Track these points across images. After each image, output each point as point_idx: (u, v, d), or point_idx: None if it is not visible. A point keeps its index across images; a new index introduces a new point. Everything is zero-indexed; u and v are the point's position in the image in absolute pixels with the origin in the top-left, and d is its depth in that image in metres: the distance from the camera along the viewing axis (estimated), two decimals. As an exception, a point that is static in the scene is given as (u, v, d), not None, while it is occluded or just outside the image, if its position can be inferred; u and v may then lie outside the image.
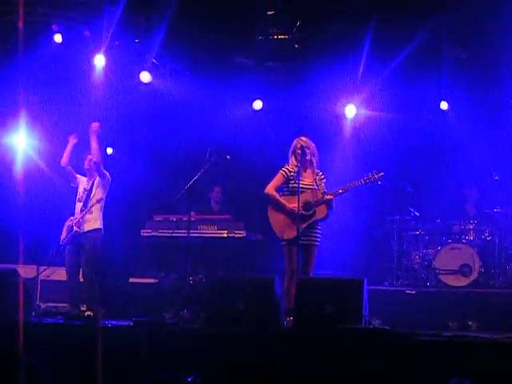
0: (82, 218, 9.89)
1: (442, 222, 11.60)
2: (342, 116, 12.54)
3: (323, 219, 8.93)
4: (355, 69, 11.73)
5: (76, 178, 10.28)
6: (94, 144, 9.98)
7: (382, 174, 8.92)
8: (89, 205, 9.94)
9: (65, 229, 10.01)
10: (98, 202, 9.96)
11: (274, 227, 9.02)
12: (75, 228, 9.80)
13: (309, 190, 8.84)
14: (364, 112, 12.42)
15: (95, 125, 10.04)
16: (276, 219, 9.00)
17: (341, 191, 8.86)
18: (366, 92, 12.18)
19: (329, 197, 8.81)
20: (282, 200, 8.92)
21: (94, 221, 9.94)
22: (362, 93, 12.19)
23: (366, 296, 7.95)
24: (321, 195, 8.83)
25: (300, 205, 8.67)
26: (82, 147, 10.31)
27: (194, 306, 9.42)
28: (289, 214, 8.85)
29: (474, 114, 11.86)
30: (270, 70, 12.59)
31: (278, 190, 9.06)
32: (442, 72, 11.81)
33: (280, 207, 8.92)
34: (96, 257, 9.87)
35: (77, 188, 10.24)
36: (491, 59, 11.56)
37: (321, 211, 8.82)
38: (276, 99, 12.49)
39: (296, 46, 12.02)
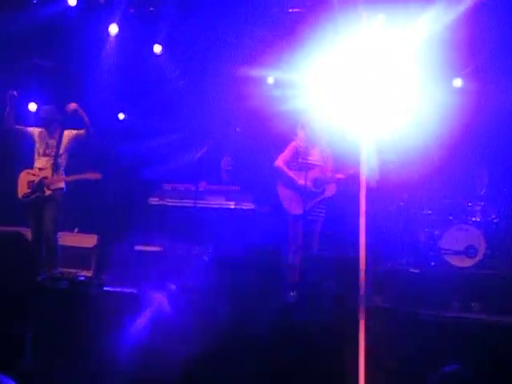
0: (52, 176, 9.76)
1: (449, 202, 11.58)
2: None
3: (332, 197, 8.95)
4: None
5: (28, 131, 9.99)
6: (86, 119, 9.85)
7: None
8: (58, 163, 9.83)
9: (26, 183, 9.86)
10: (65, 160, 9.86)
11: (283, 201, 9.03)
12: (47, 191, 9.70)
13: (317, 167, 8.85)
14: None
15: (72, 105, 9.84)
16: (285, 193, 9.03)
17: (352, 172, 8.85)
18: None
19: (340, 176, 8.82)
20: (292, 174, 8.92)
21: (60, 180, 9.83)
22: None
23: (369, 274, 7.97)
24: (331, 173, 8.84)
25: (309, 182, 8.68)
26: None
27: (198, 277, 9.45)
28: (297, 189, 8.86)
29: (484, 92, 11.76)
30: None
31: (287, 164, 9.07)
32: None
33: (289, 182, 8.92)
34: (59, 217, 9.81)
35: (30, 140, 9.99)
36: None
37: (330, 189, 8.84)
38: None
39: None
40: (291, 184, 8.93)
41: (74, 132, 9.89)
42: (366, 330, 7.01)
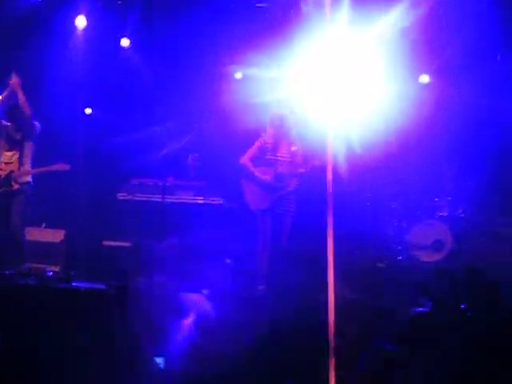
0: (19, 170, 9.63)
1: (416, 197, 11.67)
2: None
3: (294, 191, 8.97)
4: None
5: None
6: (22, 96, 9.56)
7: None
8: (24, 156, 9.68)
9: None
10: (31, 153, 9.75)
11: (246, 196, 9.10)
12: (15, 185, 9.61)
13: (285, 162, 8.89)
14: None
15: (15, 79, 9.59)
16: (248, 189, 9.10)
17: (317, 163, 8.90)
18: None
19: (302, 170, 8.87)
20: (255, 171, 8.97)
21: (27, 173, 9.71)
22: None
23: (337, 267, 8.02)
24: (294, 168, 8.89)
25: (271, 177, 8.74)
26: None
27: (166, 271, 9.46)
28: (260, 184, 8.92)
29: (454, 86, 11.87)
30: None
31: (254, 160, 9.10)
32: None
33: (253, 177, 8.97)
34: (26, 211, 9.75)
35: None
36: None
37: (292, 183, 8.87)
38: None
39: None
40: (254, 180, 8.99)
41: (38, 125, 9.80)
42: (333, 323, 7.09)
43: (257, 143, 9.12)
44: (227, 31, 11.92)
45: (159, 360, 5.72)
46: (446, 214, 11.32)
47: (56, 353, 6.88)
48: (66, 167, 9.72)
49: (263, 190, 8.97)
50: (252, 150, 9.13)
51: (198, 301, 6.85)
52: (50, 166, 9.76)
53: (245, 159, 9.11)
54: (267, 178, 8.84)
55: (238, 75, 12.50)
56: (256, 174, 8.99)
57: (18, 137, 9.71)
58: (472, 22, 11.03)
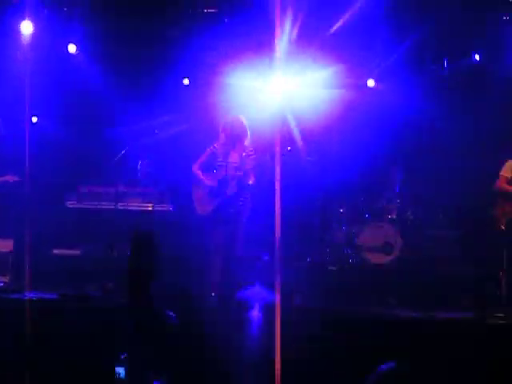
0: None
1: (365, 200, 11.76)
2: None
3: (235, 194, 8.99)
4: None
5: None
6: None
7: (289, 148, 9.01)
8: None
9: None
10: None
11: (195, 204, 9.15)
12: None
13: (233, 168, 8.91)
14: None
15: None
16: (196, 196, 9.15)
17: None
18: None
19: (239, 173, 8.92)
20: (204, 178, 9.03)
21: None
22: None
23: (287, 272, 8.07)
24: (236, 171, 8.93)
25: (215, 181, 8.82)
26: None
27: (118, 279, 9.41)
28: (205, 190, 9.00)
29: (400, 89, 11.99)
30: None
31: (205, 166, 9.13)
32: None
33: (200, 183, 9.04)
34: None
35: None
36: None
37: (231, 187, 8.91)
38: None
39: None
40: (201, 185, 9.04)
41: None
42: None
43: (207, 150, 9.15)
44: (175, 36, 11.94)
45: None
46: (395, 217, 11.42)
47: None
48: (15, 178, 9.60)
49: (208, 195, 9.02)
50: (202, 158, 9.17)
51: None
52: (1, 176, 9.62)
53: (195, 167, 9.16)
54: (212, 183, 8.91)
55: (186, 81, 12.49)
56: (202, 178, 9.04)
57: None
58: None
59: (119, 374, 5.35)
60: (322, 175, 12.08)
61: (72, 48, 12.03)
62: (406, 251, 11.06)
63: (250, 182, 8.94)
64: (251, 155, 9.08)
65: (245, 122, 9.17)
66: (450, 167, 11.56)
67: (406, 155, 11.98)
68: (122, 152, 9.19)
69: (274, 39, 11.07)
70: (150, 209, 10.97)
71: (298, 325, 7.21)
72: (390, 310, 8.90)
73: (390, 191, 11.80)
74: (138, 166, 12.11)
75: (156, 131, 9.29)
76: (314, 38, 11.46)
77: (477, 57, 11.69)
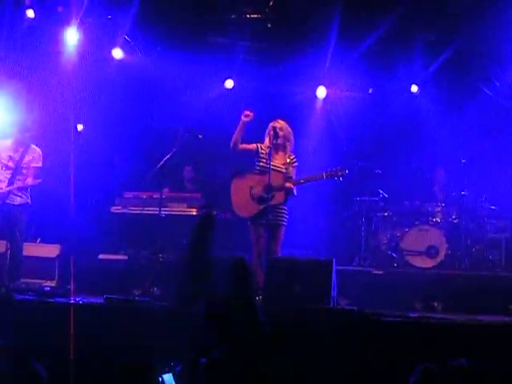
0: (13, 189, 9.54)
1: (409, 204, 11.72)
2: (314, 97, 12.56)
3: (281, 204, 8.99)
4: (327, 50, 11.75)
5: None
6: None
7: (346, 171, 9.01)
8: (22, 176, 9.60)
9: None
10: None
11: (233, 203, 9.17)
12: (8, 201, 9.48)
13: (277, 173, 8.91)
14: (335, 94, 12.45)
15: None
16: (237, 195, 9.15)
17: (302, 181, 9.03)
18: (338, 74, 12.21)
19: (288, 185, 8.91)
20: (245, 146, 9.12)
21: (27, 194, 9.66)
22: (334, 74, 12.21)
23: (334, 276, 8.07)
24: (282, 181, 8.91)
25: (261, 187, 8.83)
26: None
27: (163, 283, 9.47)
28: (248, 193, 9.01)
29: (443, 97, 11.97)
30: (243, 49, 12.52)
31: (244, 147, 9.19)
32: (412, 55, 11.87)
33: (243, 184, 9.09)
34: (24, 232, 9.75)
35: None
36: (460, 43, 11.64)
37: (279, 197, 8.90)
38: (248, 79, 12.48)
39: (269, 25, 12.01)
40: (246, 185, 9.07)
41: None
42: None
43: (253, 144, 9.19)
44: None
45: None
46: (439, 220, 11.36)
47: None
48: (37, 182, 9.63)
49: (249, 198, 9.03)
50: (246, 144, 9.20)
51: None
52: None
53: (236, 143, 9.14)
54: (253, 186, 8.95)
55: (229, 84, 12.56)
56: (247, 180, 9.09)
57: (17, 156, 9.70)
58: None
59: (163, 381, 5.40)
60: (368, 180, 12.09)
61: (117, 53, 12.14)
62: (450, 255, 11.00)
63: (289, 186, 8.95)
64: (294, 162, 9.07)
65: (288, 127, 9.18)
66: (494, 171, 11.51)
67: (449, 159, 11.92)
68: (167, 157, 9.23)
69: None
70: (195, 214, 11.02)
71: (342, 327, 7.24)
72: (435, 313, 8.85)
73: (434, 195, 11.76)
74: (184, 173, 12.23)
75: (200, 136, 9.32)
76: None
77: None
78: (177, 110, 12.16)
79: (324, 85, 12.38)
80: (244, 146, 9.14)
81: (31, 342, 7.20)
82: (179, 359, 6.43)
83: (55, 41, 11.76)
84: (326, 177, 8.95)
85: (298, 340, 7.11)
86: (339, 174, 8.95)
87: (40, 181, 9.55)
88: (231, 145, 9.12)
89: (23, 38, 11.67)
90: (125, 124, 12.76)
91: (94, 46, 12.01)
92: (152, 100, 12.42)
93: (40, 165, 9.66)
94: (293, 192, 8.96)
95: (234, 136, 9.05)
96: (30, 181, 9.55)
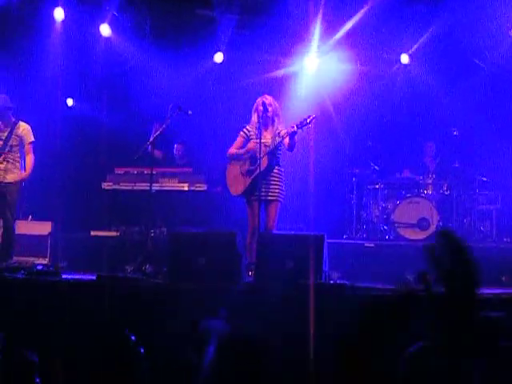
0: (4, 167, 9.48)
1: (401, 176, 11.75)
2: (303, 70, 12.50)
3: (270, 174, 8.98)
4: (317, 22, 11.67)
5: None
6: None
7: (314, 116, 8.92)
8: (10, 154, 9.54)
9: None
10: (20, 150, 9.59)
11: (228, 184, 9.20)
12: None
13: (266, 147, 8.92)
14: (326, 66, 12.37)
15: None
16: (229, 176, 9.18)
17: (278, 139, 8.94)
18: (329, 45, 12.13)
19: (267, 148, 8.93)
20: (241, 151, 9.10)
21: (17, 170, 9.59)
22: (324, 46, 12.13)
23: (326, 251, 8.07)
24: (270, 152, 8.93)
25: (248, 161, 8.89)
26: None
27: (156, 260, 9.47)
28: (238, 170, 9.04)
29: (434, 69, 11.93)
30: (233, 22, 12.42)
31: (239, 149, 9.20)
32: (404, 25, 11.80)
33: (236, 163, 9.10)
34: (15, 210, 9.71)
35: None
36: (451, 13, 11.58)
37: (263, 163, 8.89)
38: (237, 52, 12.40)
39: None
40: (235, 165, 9.11)
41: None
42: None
43: (240, 134, 9.18)
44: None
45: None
46: (430, 192, 11.39)
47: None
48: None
49: (240, 175, 9.06)
50: (236, 143, 9.21)
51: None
52: None
53: (230, 150, 9.19)
54: (243, 163, 8.98)
55: (218, 58, 12.47)
56: (240, 152, 9.09)
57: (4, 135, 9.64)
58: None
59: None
60: (358, 153, 12.09)
61: (105, 30, 12.05)
62: (442, 227, 11.02)
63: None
64: (283, 135, 9.03)
65: (276, 102, 9.16)
66: (486, 140, 11.52)
67: (440, 131, 11.92)
68: (157, 133, 9.18)
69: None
70: (186, 189, 11.01)
71: (332, 301, 7.24)
72: (427, 286, 8.85)
73: (425, 167, 11.78)
74: (174, 151, 12.19)
75: (189, 112, 9.26)
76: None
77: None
78: (166, 85, 12.09)
79: (315, 56, 12.26)
80: (238, 150, 9.20)
81: (23, 321, 7.21)
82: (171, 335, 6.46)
83: (42, 16, 11.67)
84: (298, 127, 8.84)
85: (289, 314, 7.12)
86: (308, 120, 8.85)
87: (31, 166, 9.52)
88: (227, 155, 9.21)
89: (8, 13, 11.59)
90: (115, 100, 12.73)
91: (82, 21, 11.90)
92: (141, 76, 12.33)
93: (32, 139, 9.61)
94: (274, 154, 8.95)
95: (235, 153, 9.12)
96: (27, 168, 9.54)
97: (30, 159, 9.53)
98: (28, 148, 9.55)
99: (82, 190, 11.96)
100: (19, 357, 4.60)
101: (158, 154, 11.37)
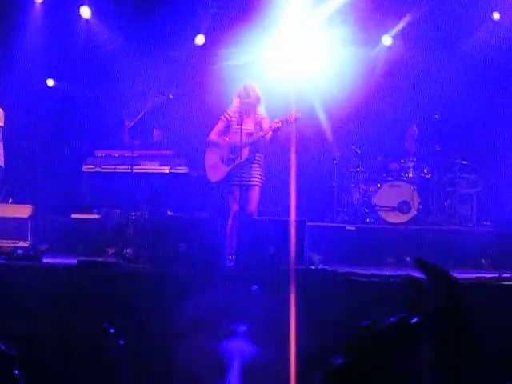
0: None
1: (382, 160, 11.75)
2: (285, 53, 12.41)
3: (250, 163, 8.95)
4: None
5: None
6: None
7: (298, 115, 8.89)
8: None
9: None
10: None
11: (207, 171, 9.17)
12: None
13: (247, 135, 8.89)
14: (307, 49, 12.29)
15: None
16: (209, 163, 9.16)
17: (262, 133, 8.91)
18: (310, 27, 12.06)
19: (250, 140, 8.89)
20: (221, 140, 9.04)
21: None
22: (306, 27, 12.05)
23: (307, 236, 8.09)
24: (247, 140, 8.89)
25: (229, 149, 8.84)
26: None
27: (136, 244, 9.46)
28: (219, 157, 9.01)
29: (417, 51, 11.91)
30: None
31: (220, 134, 9.13)
32: (386, 7, 11.78)
33: (215, 150, 9.07)
34: None
35: None
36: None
37: (244, 154, 8.86)
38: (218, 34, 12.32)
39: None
40: (215, 152, 9.07)
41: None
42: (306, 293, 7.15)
43: (220, 119, 9.13)
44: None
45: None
46: (411, 175, 11.40)
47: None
48: None
49: (220, 162, 9.02)
50: (217, 127, 9.15)
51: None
52: None
53: (211, 135, 9.15)
54: (222, 150, 8.94)
55: (199, 40, 12.39)
56: (221, 143, 9.03)
57: None
58: None
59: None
60: (339, 136, 12.08)
61: (85, 12, 11.96)
62: (422, 210, 11.07)
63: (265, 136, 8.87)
64: (265, 121, 8.99)
65: (258, 89, 9.11)
66: (468, 123, 11.55)
67: (421, 114, 11.92)
68: (138, 117, 9.15)
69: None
70: (167, 171, 10.98)
71: (315, 285, 7.26)
72: (407, 269, 8.90)
73: (406, 150, 11.79)
74: (154, 134, 12.13)
75: (170, 95, 9.23)
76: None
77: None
78: (146, 68, 12.02)
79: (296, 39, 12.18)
80: (219, 138, 9.15)
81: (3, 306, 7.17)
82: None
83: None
84: (283, 123, 8.81)
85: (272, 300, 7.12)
86: (291, 120, 8.82)
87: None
88: (208, 140, 9.16)
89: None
90: (95, 82, 12.64)
91: (61, 2, 11.81)
92: (122, 58, 12.25)
93: (1, 124, 9.52)
94: (257, 146, 8.93)
95: (216, 140, 9.07)
96: None
97: None
98: None
99: (63, 172, 11.89)
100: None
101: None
